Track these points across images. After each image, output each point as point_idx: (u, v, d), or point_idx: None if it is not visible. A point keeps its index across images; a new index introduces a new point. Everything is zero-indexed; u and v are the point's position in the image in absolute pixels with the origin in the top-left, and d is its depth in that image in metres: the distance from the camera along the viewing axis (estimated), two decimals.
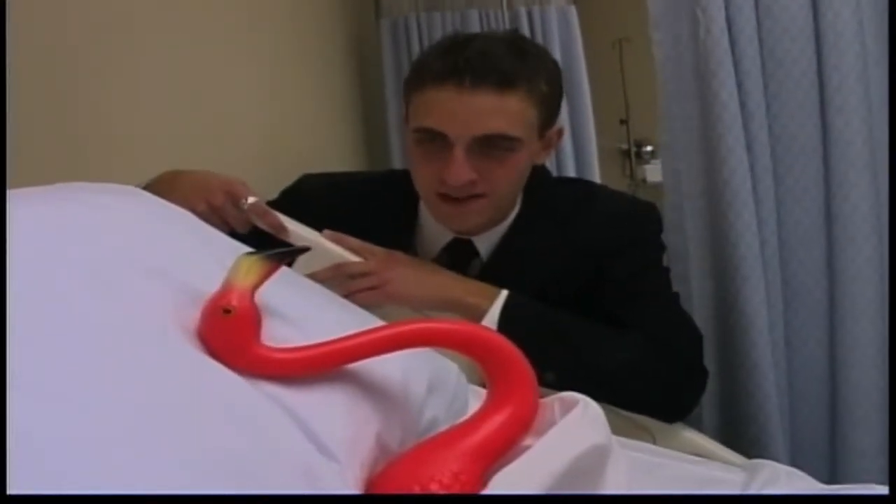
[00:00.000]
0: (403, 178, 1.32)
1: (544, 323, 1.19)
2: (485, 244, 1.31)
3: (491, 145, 1.17)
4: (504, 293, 1.19)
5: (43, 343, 0.53)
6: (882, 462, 1.51)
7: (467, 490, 0.62)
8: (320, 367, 0.66)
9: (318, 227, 1.23)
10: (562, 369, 1.09)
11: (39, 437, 0.46)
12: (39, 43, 1.13)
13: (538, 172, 1.32)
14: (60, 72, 1.19)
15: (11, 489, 0.42)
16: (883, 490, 0.85)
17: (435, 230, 1.31)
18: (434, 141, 1.18)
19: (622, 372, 1.18)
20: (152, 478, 0.48)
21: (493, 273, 1.27)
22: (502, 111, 1.16)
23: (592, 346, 1.19)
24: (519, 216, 1.31)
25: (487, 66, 1.14)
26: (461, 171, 1.17)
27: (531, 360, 0.71)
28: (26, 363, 0.50)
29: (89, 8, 1.26)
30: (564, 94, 1.32)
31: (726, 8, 1.51)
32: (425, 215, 1.32)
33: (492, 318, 1.17)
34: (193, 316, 0.65)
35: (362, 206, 1.34)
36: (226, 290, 0.65)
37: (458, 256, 1.31)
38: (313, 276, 1.07)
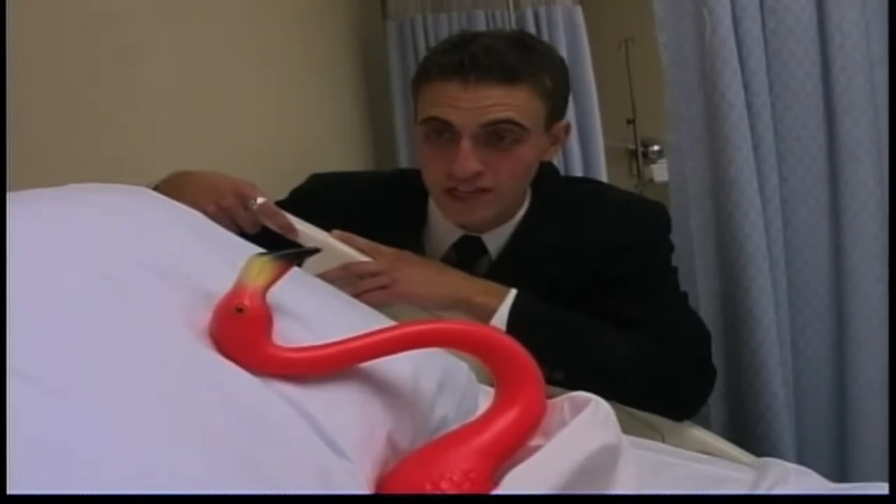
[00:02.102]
0: (411, 177, 1.33)
1: (553, 322, 1.19)
2: (494, 242, 1.31)
3: (498, 137, 1.18)
4: (513, 292, 1.19)
5: (57, 343, 0.54)
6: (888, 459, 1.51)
7: (477, 488, 0.62)
8: (331, 366, 0.67)
9: (328, 227, 1.24)
10: (571, 368, 1.10)
11: (56, 436, 0.47)
12: (42, 42, 1.13)
13: (546, 170, 1.32)
14: (65, 71, 1.19)
15: (34, 488, 0.42)
16: (884, 487, 0.85)
17: (443, 228, 1.32)
18: (441, 135, 1.19)
19: (631, 370, 1.18)
20: (167, 477, 0.48)
21: (501, 271, 1.27)
22: (508, 103, 1.16)
23: (601, 344, 1.19)
24: (528, 214, 1.32)
25: (492, 61, 1.15)
26: (468, 162, 1.17)
27: (540, 359, 0.71)
28: (41, 363, 0.51)
29: (93, 8, 1.27)
30: (571, 94, 1.32)
31: (732, 8, 1.52)
32: (434, 213, 1.32)
33: (500, 318, 1.17)
34: (205, 316, 0.65)
35: (371, 205, 1.34)
36: (238, 290, 0.65)
37: (466, 254, 1.31)
38: (323, 276, 1.08)
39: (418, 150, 1.28)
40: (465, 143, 1.17)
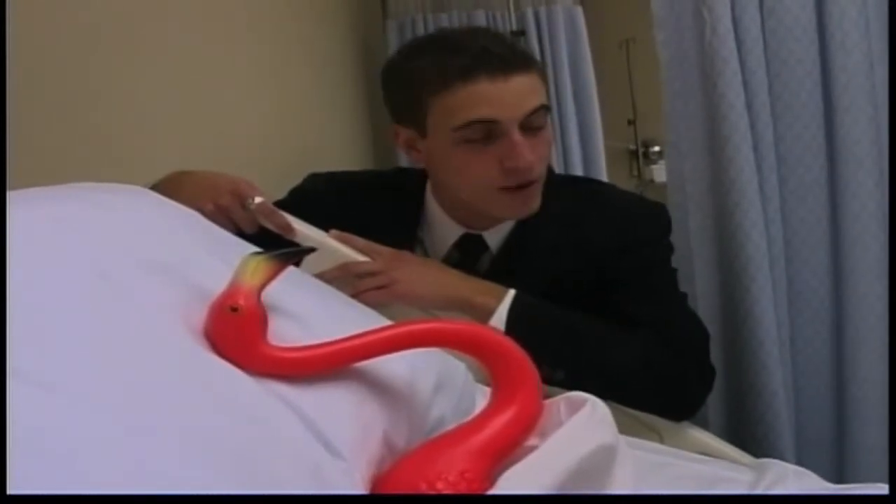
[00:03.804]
0: (410, 176, 1.33)
1: (552, 322, 1.18)
2: (495, 238, 1.30)
3: (532, 125, 1.18)
4: (511, 292, 1.19)
5: (53, 342, 0.54)
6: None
7: (473, 488, 0.62)
8: (327, 366, 0.67)
9: (326, 226, 1.23)
10: (571, 368, 1.10)
11: (56, 436, 0.47)
12: (42, 42, 1.13)
13: None
14: (64, 71, 1.19)
15: (31, 487, 0.42)
16: (884, 488, 0.85)
17: (444, 227, 1.31)
18: (482, 138, 1.17)
19: (630, 371, 1.18)
20: (162, 477, 0.48)
21: (503, 267, 1.27)
22: (535, 87, 1.18)
23: (600, 344, 1.19)
24: None
25: (506, 51, 1.16)
26: (526, 151, 1.17)
27: (539, 359, 0.71)
28: (38, 361, 0.51)
29: (94, 7, 1.27)
30: (572, 94, 1.33)
31: (732, 7, 1.52)
32: (433, 212, 1.32)
33: (499, 318, 1.16)
34: (200, 315, 0.65)
35: (369, 204, 1.34)
36: (233, 289, 0.65)
37: (468, 252, 1.31)
38: (321, 276, 1.08)
39: (439, 159, 1.25)
40: (517, 136, 1.16)
